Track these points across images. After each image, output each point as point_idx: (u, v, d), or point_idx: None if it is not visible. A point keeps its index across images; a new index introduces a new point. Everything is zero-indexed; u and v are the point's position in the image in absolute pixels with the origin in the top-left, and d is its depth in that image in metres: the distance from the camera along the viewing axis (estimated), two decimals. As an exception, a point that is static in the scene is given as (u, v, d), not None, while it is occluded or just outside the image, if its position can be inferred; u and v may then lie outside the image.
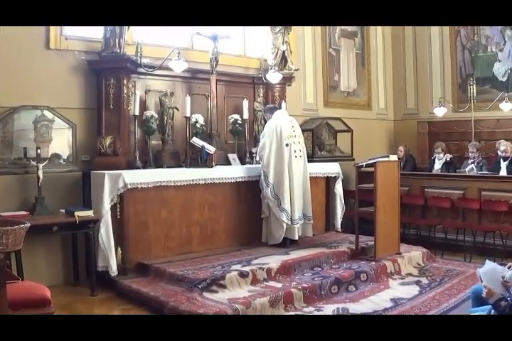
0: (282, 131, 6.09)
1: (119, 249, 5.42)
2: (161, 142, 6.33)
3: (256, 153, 6.60)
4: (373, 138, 9.37)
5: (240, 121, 6.92)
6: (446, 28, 9.11)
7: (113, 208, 5.32)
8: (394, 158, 6.23)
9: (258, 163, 6.46)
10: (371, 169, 5.87)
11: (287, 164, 6.08)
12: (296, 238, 6.20)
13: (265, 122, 6.68)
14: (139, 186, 5.43)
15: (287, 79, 7.46)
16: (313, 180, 6.76)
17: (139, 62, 6.13)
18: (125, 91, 5.93)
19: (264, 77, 7.27)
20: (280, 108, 6.71)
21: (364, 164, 5.96)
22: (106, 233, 5.21)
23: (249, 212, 6.35)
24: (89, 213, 5.20)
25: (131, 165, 5.85)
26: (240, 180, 6.25)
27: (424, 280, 5.62)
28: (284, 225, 6.06)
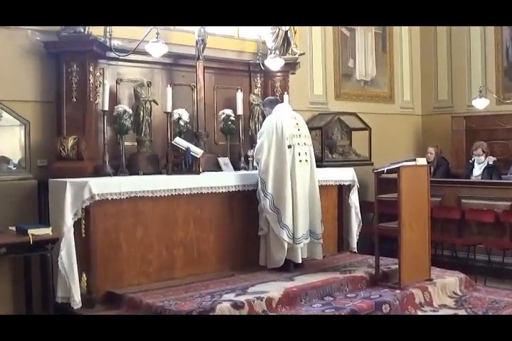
0: (284, 129, 6.10)
1: (84, 276, 5.38)
2: (136, 143, 6.35)
3: (252, 157, 6.61)
4: (396, 137, 9.40)
5: (232, 118, 6.95)
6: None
7: (77, 224, 5.29)
8: (422, 161, 6.22)
9: (255, 168, 6.47)
10: (394, 176, 5.86)
11: (290, 170, 6.08)
12: (300, 260, 6.18)
13: (264, 119, 6.69)
14: (110, 197, 5.42)
15: (291, 66, 7.48)
16: (323, 189, 6.76)
17: (108, 44, 6.14)
18: (91, 80, 5.92)
19: (263, 64, 7.30)
20: (282, 101, 6.72)
21: (385, 169, 5.96)
22: (67, 255, 5.17)
23: (244, 229, 6.35)
24: (47, 231, 5.15)
25: (99, 172, 5.87)
26: (233, 189, 6.25)
27: (463, 314, 5.59)
28: (286, 245, 6.04)
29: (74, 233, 5.22)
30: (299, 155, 6.14)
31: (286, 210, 6.03)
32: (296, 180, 6.09)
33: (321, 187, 6.54)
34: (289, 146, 6.10)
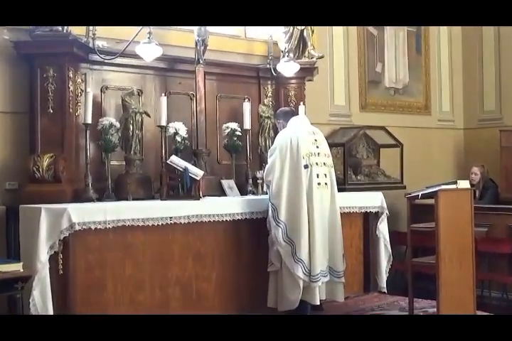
0: (300, 145, 6.08)
1: (61, 320, 5.34)
2: (124, 163, 6.36)
3: (262, 179, 6.61)
4: (434, 155, 9.40)
5: (238, 133, 6.98)
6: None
7: (53, 259, 5.25)
8: (465, 184, 6.19)
9: (265, 193, 6.45)
10: (430, 201, 5.83)
11: (306, 194, 6.04)
12: (318, 302, 6.13)
13: (275, 134, 6.71)
14: (93, 227, 5.38)
15: (307, 72, 7.50)
16: (346, 217, 6.74)
17: (91, 45, 6.15)
18: (71, 88, 5.95)
19: (274, 69, 7.31)
20: (297, 113, 6.71)
21: (420, 194, 5.95)
22: (41, 296, 5.14)
23: (253, 265, 6.32)
24: (17, 267, 5.06)
25: (80, 197, 5.86)
26: (240, 217, 6.23)
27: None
28: (301, 283, 5.99)
29: (49, 269, 5.18)
30: (318, 177, 6.11)
31: (301, 242, 5.98)
32: (314, 206, 6.05)
33: (343, 214, 6.50)
34: (306, 166, 6.07)
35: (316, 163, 6.13)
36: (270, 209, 6.10)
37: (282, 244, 6.00)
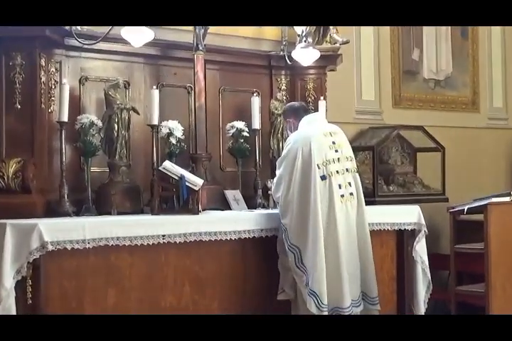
0: (314, 153, 6.03)
1: (30, 360, 5.33)
2: (107, 169, 6.37)
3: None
4: (482, 161, 9.42)
5: (246, 134, 7.03)
6: None
7: (20, 286, 5.22)
8: (521, 196, 6.19)
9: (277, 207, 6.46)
10: (479, 217, 5.80)
11: (329, 210, 6.04)
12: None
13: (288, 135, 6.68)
14: (69, 247, 5.34)
15: (329, 60, 7.50)
16: (376, 235, 6.72)
17: (67, 27, 6.13)
18: (43, 78, 5.97)
19: (289, 56, 7.32)
20: (311, 110, 6.76)
21: (466, 208, 5.94)
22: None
23: (261, 293, 6.31)
24: (-24, 295, 5.13)
25: (54, 210, 5.89)
26: (247, 235, 6.19)
27: None
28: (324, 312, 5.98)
29: (16, 298, 5.17)
30: (340, 187, 6.10)
31: (315, 270, 5.94)
32: (338, 223, 6.03)
33: (372, 232, 6.49)
34: (323, 177, 6.04)
35: (337, 172, 6.10)
36: (281, 229, 6.13)
37: (296, 271, 6.02)
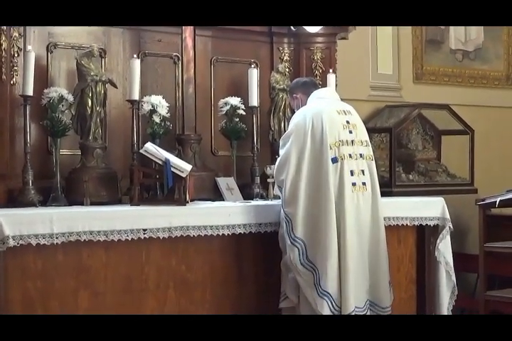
0: (326, 130, 6.04)
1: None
2: (79, 152, 6.37)
3: (273, 177, 6.58)
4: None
5: (241, 111, 7.03)
6: None
7: (-25, 288, 5.33)
8: (562, 187, 6.11)
9: (278, 197, 6.45)
10: (513, 211, 5.70)
11: (336, 198, 6.02)
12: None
13: (293, 113, 6.67)
14: (34, 242, 5.35)
15: (340, 27, 7.47)
16: (392, 231, 6.83)
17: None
18: (4, 45, 5.99)
19: (293, 23, 7.36)
20: (320, 85, 6.75)
21: (498, 200, 5.86)
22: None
23: (259, 298, 6.36)
24: None
25: (16, 200, 5.91)
26: (242, 230, 6.21)
27: None
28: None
29: (-30, 303, 5.24)
30: (352, 174, 6.07)
31: (328, 267, 5.93)
32: (346, 216, 6.00)
33: (388, 228, 6.51)
34: (335, 160, 6.02)
35: (350, 156, 6.09)
36: (283, 220, 6.08)
37: (300, 269, 5.97)
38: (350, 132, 6.15)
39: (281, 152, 6.17)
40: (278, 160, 6.24)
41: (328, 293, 5.93)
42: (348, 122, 6.16)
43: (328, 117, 6.07)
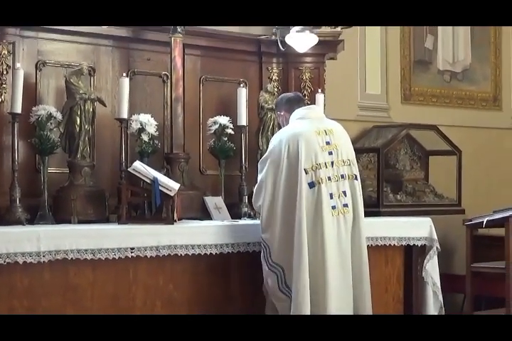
0: (301, 154, 5.97)
1: None
2: (67, 170, 6.37)
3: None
4: (504, 167, 9.44)
5: (230, 131, 7.05)
6: None
7: (-40, 307, 5.32)
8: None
9: None
10: (499, 231, 5.77)
11: (313, 224, 5.97)
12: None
13: None
14: (21, 260, 5.36)
15: (329, 46, 7.55)
16: (379, 251, 6.86)
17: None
18: None
19: (282, 41, 7.33)
20: (306, 102, 6.73)
21: (485, 221, 5.90)
22: None
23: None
24: None
25: (3, 218, 5.90)
26: (230, 250, 6.23)
27: None
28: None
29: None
30: (331, 197, 6.00)
31: (299, 294, 5.87)
32: (326, 240, 5.93)
33: (375, 248, 6.60)
34: (312, 184, 5.96)
35: (329, 178, 6.02)
36: (262, 246, 6.08)
37: (279, 296, 5.97)
38: (330, 153, 6.06)
39: (259, 177, 6.18)
40: (256, 186, 6.25)
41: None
42: (328, 143, 6.07)
43: (305, 140, 6.00)
